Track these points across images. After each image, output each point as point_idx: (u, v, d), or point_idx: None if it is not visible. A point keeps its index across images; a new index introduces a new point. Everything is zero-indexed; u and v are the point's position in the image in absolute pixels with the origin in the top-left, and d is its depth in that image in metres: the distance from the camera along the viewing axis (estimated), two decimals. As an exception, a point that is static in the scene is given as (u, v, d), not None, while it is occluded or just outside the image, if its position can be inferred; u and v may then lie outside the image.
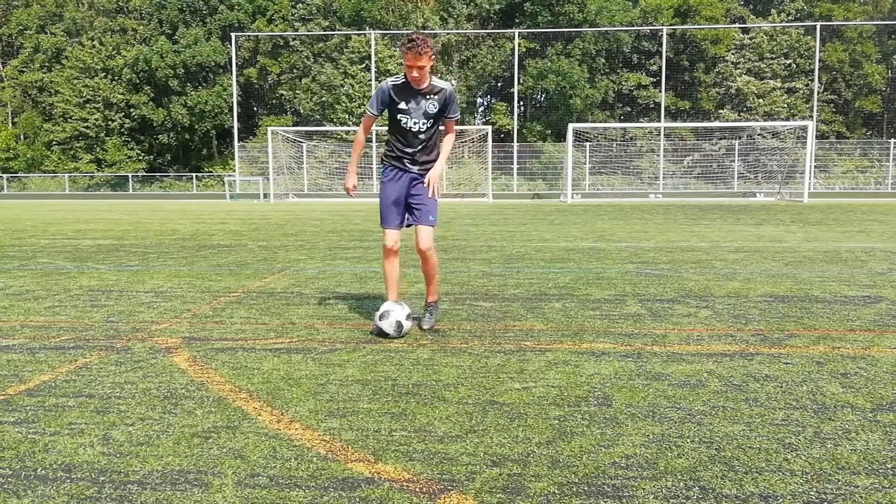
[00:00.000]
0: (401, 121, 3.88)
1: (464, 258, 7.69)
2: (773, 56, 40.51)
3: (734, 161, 38.33)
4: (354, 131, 38.66)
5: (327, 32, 41.28)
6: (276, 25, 42.89)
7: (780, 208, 21.04)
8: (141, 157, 43.99)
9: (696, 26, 40.45)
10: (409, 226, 4.04)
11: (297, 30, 42.40)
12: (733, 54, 41.12)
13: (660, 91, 39.98)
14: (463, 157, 39.23)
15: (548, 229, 12.20)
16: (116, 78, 43.04)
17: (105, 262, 7.63)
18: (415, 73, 3.73)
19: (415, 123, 3.87)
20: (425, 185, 3.92)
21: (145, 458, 2.23)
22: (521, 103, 43.55)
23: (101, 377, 3.13)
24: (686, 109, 42.17)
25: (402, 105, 3.84)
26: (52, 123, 43.45)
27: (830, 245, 8.90)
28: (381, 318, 3.81)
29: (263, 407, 2.72)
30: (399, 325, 3.80)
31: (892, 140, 38.73)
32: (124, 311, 4.68)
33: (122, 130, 43.36)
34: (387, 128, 4.08)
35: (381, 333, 3.84)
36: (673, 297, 5.07)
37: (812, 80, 39.05)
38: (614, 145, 39.60)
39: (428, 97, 3.86)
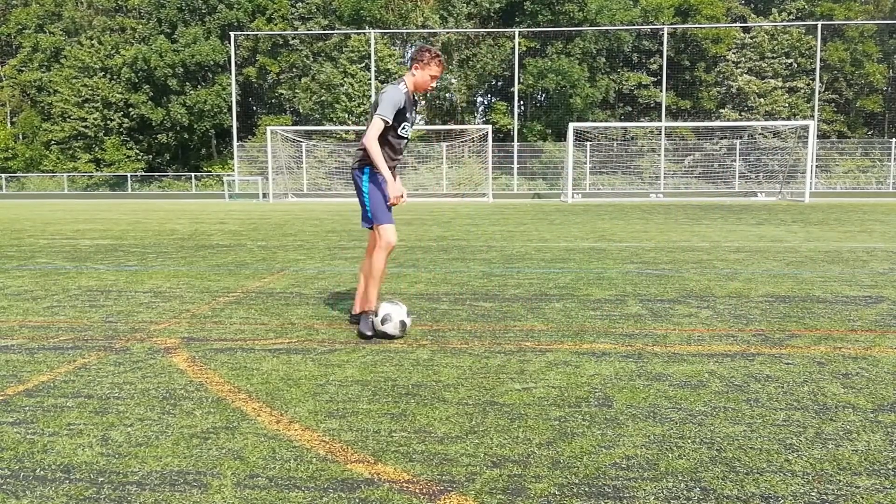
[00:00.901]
0: (402, 128, 3.92)
1: (464, 258, 7.68)
2: (775, 55, 40.47)
3: (735, 161, 38.30)
4: (354, 131, 38.89)
5: (327, 31, 41.23)
6: (276, 24, 42.85)
7: (782, 208, 21.03)
8: (140, 157, 43.92)
9: (696, 25, 40.41)
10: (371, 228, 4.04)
11: (296, 29, 42.36)
12: (734, 53, 41.08)
13: (660, 90, 39.95)
14: (463, 156, 39.21)
15: (548, 229, 12.19)
16: (115, 77, 42.97)
17: (104, 262, 7.62)
18: (434, 84, 3.94)
19: (408, 132, 3.99)
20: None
21: (144, 459, 2.22)
22: (522, 103, 43.49)
23: (100, 377, 3.12)
24: (687, 109, 42.13)
25: (408, 114, 3.93)
26: (51, 123, 43.39)
27: (832, 245, 8.89)
28: (383, 321, 3.78)
29: (263, 407, 2.71)
30: (403, 324, 3.79)
31: (894, 140, 38.69)
32: (123, 312, 4.67)
33: (121, 130, 43.29)
34: (365, 135, 3.95)
35: (385, 336, 3.82)
36: (674, 298, 5.07)
37: (813, 80, 39.01)
38: (615, 145, 39.56)
39: (415, 106, 4.08)
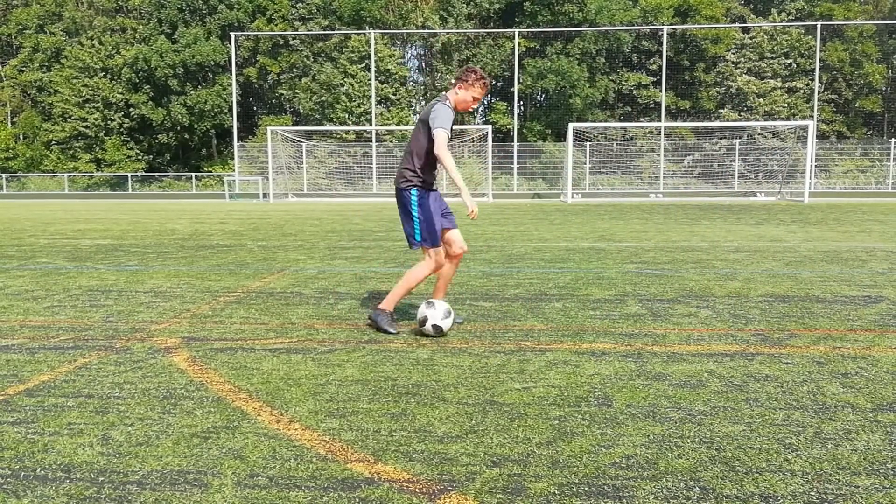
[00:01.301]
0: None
1: (464, 258, 7.67)
2: (774, 55, 40.49)
3: (734, 161, 38.32)
4: (354, 131, 38.86)
5: (327, 32, 41.25)
6: (276, 25, 42.86)
7: (781, 208, 21.04)
8: (140, 157, 43.95)
9: (696, 26, 40.42)
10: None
11: (296, 29, 42.38)
12: (734, 54, 41.10)
13: (660, 91, 39.96)
14: (463, 156, 39.22)
15: (548, 229, 12.19)
16: (116, 77, 43.00)
17: (104, 261, 7.63)
18: (476, 105, 3.99)
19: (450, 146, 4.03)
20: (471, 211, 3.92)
21: (144, 459, 2.23)
22: (521, 103, 43.51)
23: (101, 377, 3.13)
24: (686, 109, 42.14)
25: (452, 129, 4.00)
26: (52, 123, 43.40)
27: (831, 245, 8.90)
28: (421, 324, 3.85)
29: (263, 407, 2.71)
30: (424, 320, 3.83)
31: (893, 140, 38.72)
32: (123, 311, 4.68)
33: (122, 130, 43.31)
34: (407, 151, 4.01)
35: (423, 334, 3.88)
36: (673, 297, 5.07)
37: (812, 80, 39.03)
38: (614, 145, 39.58)
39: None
